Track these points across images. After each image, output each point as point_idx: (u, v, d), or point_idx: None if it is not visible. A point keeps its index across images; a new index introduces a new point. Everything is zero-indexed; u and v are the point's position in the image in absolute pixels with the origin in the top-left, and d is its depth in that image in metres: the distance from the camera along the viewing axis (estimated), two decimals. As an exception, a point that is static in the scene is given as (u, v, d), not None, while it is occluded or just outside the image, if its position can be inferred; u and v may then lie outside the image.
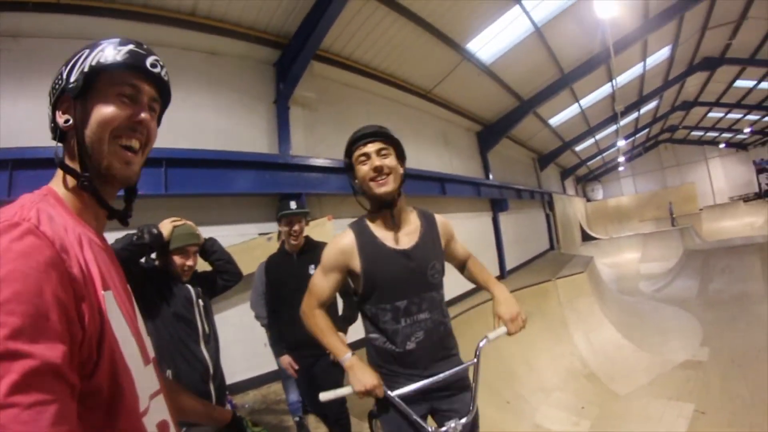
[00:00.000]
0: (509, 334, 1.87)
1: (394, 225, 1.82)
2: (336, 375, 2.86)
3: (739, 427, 4.30)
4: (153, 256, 2.52)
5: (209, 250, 2.63)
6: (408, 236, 1.84)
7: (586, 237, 23.32)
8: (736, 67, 18.28)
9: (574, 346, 6.35)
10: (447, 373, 1.75)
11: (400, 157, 1.84)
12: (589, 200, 33.40)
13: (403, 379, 1.76)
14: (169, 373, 2.27)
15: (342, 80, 7.84)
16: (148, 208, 3.59)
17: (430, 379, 1.72)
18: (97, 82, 0.85)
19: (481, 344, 1.86)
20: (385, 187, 1.73)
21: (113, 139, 0.86)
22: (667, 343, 7.18)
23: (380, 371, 1.76)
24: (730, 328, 7.54)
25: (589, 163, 28.47)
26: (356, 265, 1.77)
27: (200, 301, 2.49)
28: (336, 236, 1.86)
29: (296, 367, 3.09)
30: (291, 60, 6.41)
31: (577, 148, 22.66)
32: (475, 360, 1.85)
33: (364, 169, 1.74)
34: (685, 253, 12.36)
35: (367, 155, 1.75)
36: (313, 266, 2.90)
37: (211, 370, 2.42)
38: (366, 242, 1.79)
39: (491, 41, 9.38)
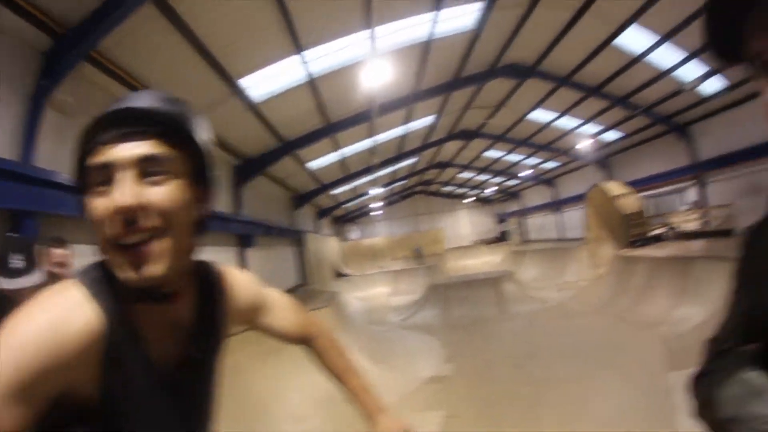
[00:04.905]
0: None
1: (166, 320, 0.98)
2: None
3: (485, 421, 5.95)
4: None
5: None
6: (180, 336, 1.02)
7: (340, 274, 25.71)
8: (488, 141, 24.39)
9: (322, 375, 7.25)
10: None
11: (198, 178, 0.94)
12: (345, 240, 37.06)
13: None
14: None
15: (110, 90, 7.40)
16: None
17: None
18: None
19: None
20: (147, 267, 0.82)
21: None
22: (413, 364, 8.88)
23: None
24: (470, 346, 9.87)
25: (345, 206, 31.62)
26: (86, 390, 0.83)
27: None
28: (40, 306, 0.81)
29: None
30: (62, 54, 5.93)
31: (334, 192, 24.83)
32: None
33: (100, 207, 0.81)
34: (429, 286, 15.13)
35: (110, 169, 0.82)
36: None
37: None
38: (119, 353, 0.86)
39: (264, 81, 10.28)
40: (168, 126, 0.87)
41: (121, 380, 0.86)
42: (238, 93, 9.94)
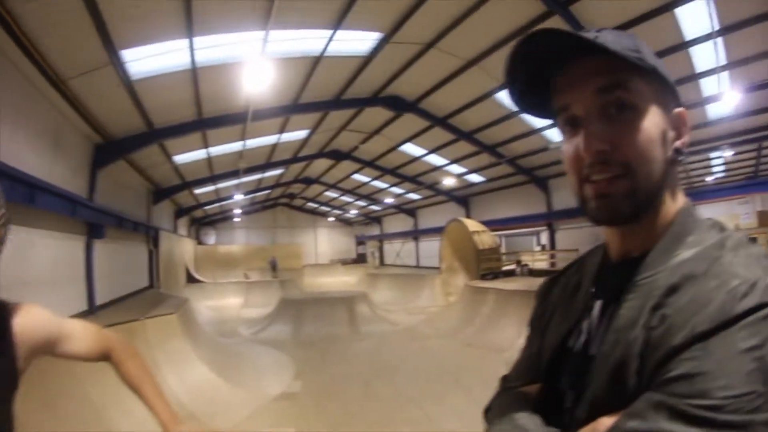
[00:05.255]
0: None
1: None
2: None
3: None
4: None
5: None
6: None
7: (192, 279, 24.60)
8: (357, 165, 24.83)
9: (168, 387, 6.55)
10: None
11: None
12: (201, 243, 35.47)
13: None
14: None
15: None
16: None
17: None
18: None
19: None
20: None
21: None
22: (262, 380, 8.69)
23: None
24: (320, 363, 9.83)
25: (206, 208, 30.43)
26: None
27: None
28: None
29: None
30: None
31: (197, 191, 23.92)
32: None
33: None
34: (282, 301, 14.87)
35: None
36: None
37: None
38: None
39: (147, 58, 9.55)
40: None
41: None
42: (117, 64, 9.06)
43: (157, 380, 1.61)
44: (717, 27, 9.64)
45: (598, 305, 0.86)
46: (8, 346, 1.21)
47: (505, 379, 1.08)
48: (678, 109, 0.84)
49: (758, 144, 16.58)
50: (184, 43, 9.45)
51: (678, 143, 0.82)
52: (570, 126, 0.84)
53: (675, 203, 0.83)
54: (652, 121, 0.78)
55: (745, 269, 0.66)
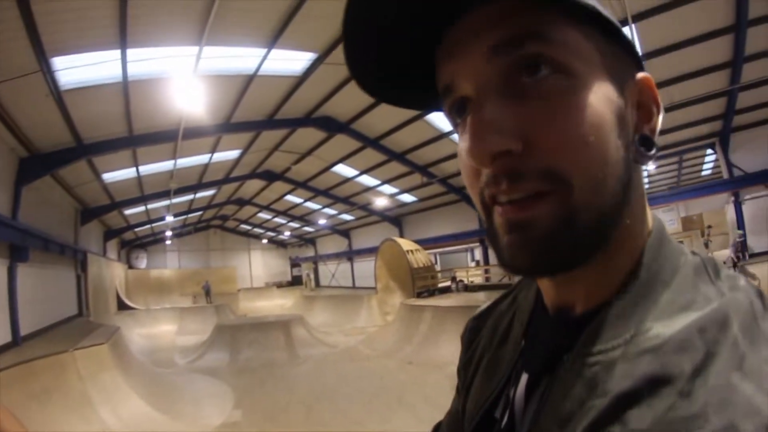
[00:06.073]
0: None
1: None
2: None
3: None
4: None
5: None
6: None
7: (123, 306, 23.53)
8: (290, 186, 24.63)
9: (102, 423, 6.33)
10: None
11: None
12: (131, 267, 33.88)
13: None
14: None
15: None
16: None
17: None
18: None
19: None
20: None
21: None
22: (201, 410, 8.37)
23: None
24: (260, 390, 9.56)
25: (137, 230, 29.34)
26: None
27: None
28: None
29: None
30: None
31: (127, 212, 23.15)
32: None
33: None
34: (217, 327, 14.39)
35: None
36: None
37: None
38: None
39: (78, 68, 9.22)
40: None
41: None
42: (47, 71, 8.64)
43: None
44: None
45: (524, 379, 0.59)
46: None
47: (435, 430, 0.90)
48: (640, 75, 0.52)
49: (679, 157, 17.93)
50: (116, 54, 9.16)
51: (645, 129, 0.51)
52: (459, 116, 0.52)
53: (641, 229, 0.52)
54: (598, 94, 0.46)
55: None
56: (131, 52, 9.25)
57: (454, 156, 16.58)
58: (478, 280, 18.94)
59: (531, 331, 0.63)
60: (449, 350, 10.14)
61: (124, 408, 7.13)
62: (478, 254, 23.46)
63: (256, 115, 14.67)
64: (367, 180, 22.19)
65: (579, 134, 0.44)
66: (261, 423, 7.70)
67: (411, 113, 14.27)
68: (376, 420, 7.29)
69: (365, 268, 29.13)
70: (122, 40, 8.70)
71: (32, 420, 5.19)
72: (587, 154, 0.44)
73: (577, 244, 0.46)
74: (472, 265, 23.15)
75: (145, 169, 16.87)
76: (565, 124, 0.44)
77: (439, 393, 8.04)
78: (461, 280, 18.51)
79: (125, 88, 10.43)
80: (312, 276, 39.14)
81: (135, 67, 9.86)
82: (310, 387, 9.70)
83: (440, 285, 17.06)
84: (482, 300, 12.34)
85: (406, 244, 17.74)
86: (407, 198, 23.40)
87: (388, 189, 22.61)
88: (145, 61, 9.82)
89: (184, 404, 8.81)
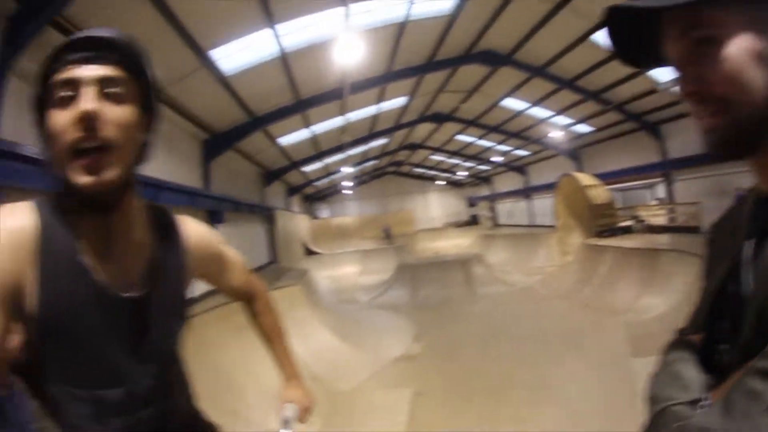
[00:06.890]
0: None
1: (109, 237, 1.03)
2: None
3: (453, 398, 6.11)
4: None
5: None
6: (128, 264, 1.07)
7: (310, 252, 25.53)
8: (460, 125, 24.31)
9: (295, 352, 7.12)
10: None
11: (146, 105, 1.04)
12: (315, 218, 36.73)
13: None
14: None
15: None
16: None
17: None
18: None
19: None
20: (103, 171, 0.92)
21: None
22: (382, 343, 9.02)
23: None
24: (438, 326, 10.02)
25: (316, 184, 31.40)
26: (27, 292, 0.93)
27: None
28: None
29: None
30: (26, 19, 5.50)
31: (305, 169, 24.57)
32: None
33: (61, 118, 0.91)
34: (398, 266, 15.25)
35: (75, 85, 0.93)
36: None
37: None
38: (55, 255, 0.96)
39: (236, 54, 9.96)
40: (124, 54, 0.98)
41: (58, 288, 0.95)
42: (209, 65, 9.56)
43: (288, 339, 1.66)
44: None
45: (748, 245, 0.77)
46: (177, 250, 1.20)
47: (679, 331, 0.98)
48: None
49: None
50: (268, 33, 9.69)
51: None
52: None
53: None
54: (741, 47, 0.67)
55: None
56: (280, 27, 9.69)
57: (628, 78, 14.70)
58: (659, 220, 16.89)
59: (754, 213, 0.81)
60: (629, 295, 9.46)
61: (313, 339, 7.81)
62: (660, 191, 20.64)
63: (414, 60, 14.63)
64: (538, 112, 20.78)
65: (731, 74, 0.67)
66: (437, 356, 8.04)
67: (573, 35, 12.87)
68: (548, 362, 7.15)
69: (543, 206, 27.89)
70: (268, 19, 9.17)
71: (238, 349, 5.75)
72: (738, 85, 0.66)
73: (741, 138, 0.70)
74: (654, 203, 20.52)
75: (317, 127, 17.83)
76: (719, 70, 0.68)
77: (615, 340, 7.61)
78: (643, 220, 16.71)
79: (284, 60, 11.02)
80: (489, 215, 38.77)
81: (288, 40, 10.34)
82: (487, 324, 9.84)
83: (620, 224, 15.61)
84: (666, 243, 11.19)
85: (584, 179, 16.43)
86: (582, 128, 21.53)
87: (562, 120, 21.02)
88: (297, 32, 10.28)
89: (368, 337, 9.45)
